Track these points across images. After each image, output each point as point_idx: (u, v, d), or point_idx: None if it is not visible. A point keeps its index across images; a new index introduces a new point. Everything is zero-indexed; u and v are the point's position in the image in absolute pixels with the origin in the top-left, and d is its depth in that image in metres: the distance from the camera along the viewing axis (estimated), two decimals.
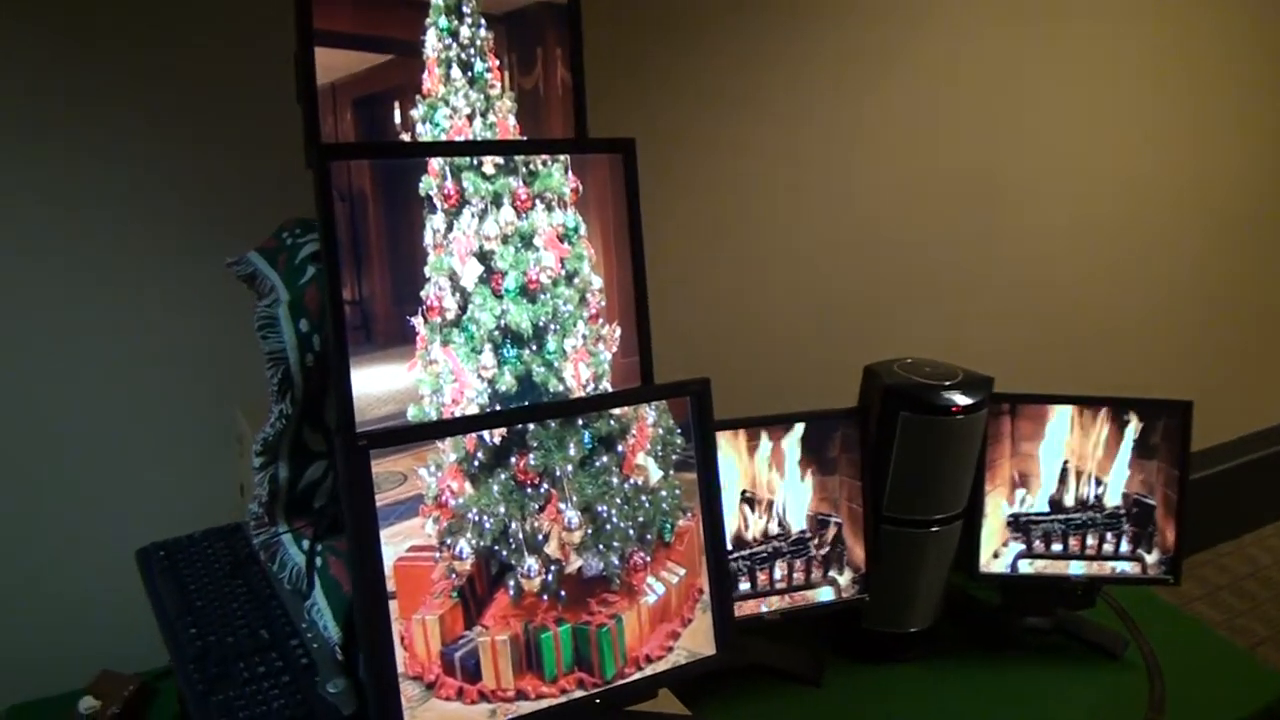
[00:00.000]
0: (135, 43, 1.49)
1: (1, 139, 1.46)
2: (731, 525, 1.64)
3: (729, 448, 1.62)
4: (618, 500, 1.25)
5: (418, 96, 1.26)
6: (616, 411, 1.26)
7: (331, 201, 1.15)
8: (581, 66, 1.36)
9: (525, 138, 1.33)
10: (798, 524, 1.67)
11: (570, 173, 1.30)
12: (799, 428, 1.65)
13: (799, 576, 1.68)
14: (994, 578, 1.76)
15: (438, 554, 1.15)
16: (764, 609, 1.66)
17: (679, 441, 1.31)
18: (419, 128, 1.27)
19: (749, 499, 1.65)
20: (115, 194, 1.54)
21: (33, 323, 1.53)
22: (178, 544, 1.37)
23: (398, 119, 1.26)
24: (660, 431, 1.30)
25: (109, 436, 1.61)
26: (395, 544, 1.12)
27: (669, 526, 1.30)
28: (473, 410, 1.23)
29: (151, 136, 1.54)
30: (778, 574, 1.67)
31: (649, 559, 1.28)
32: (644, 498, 1.28)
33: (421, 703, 1.13)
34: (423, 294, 1.22)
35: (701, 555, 1.32)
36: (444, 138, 1.27)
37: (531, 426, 1.20)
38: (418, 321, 1.21)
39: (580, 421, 1.23)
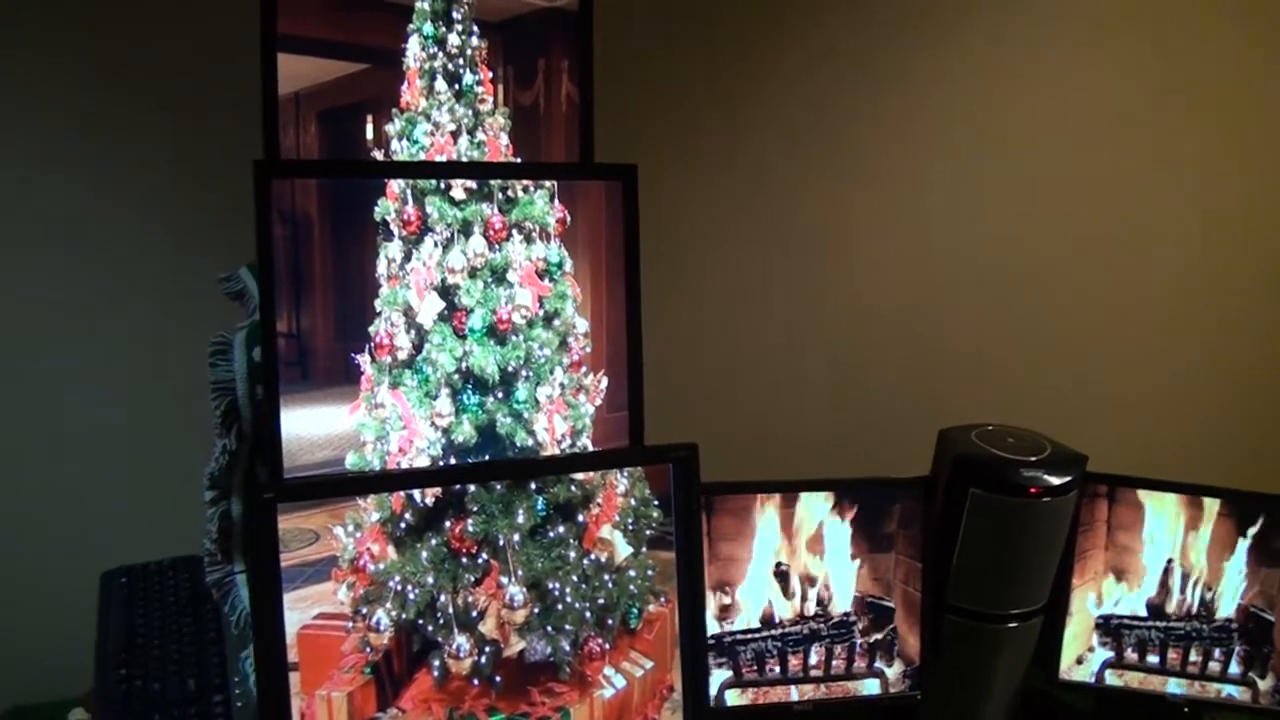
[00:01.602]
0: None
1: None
2: (762, 601, 1.46)
3: (764, 513, 1.44)
4: (573, 578, 1.10)
5: (394, 110, 1.15)
6: (580, 476, 1.11)
7: (270, 223, 1.04)
8: (591, 82, 1.21)
9: (518, 159, 1.19)
10: (841, 605, 1.47)
11: (556, 201, 1.15)
12: (850, 496, 1.45)
13: (839, 664, 1.48)
14: (1075, 686, 1.51)
15: (350, 624, 1.03)
16: (794, 697, 1.47)
17: (655, 515, 1.15)
18: (395, 144, 1.15)
19: (783, 573, 1.46)
20: (131, 197, 1.51)
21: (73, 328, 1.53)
22: (144, 571, 1.31)
23: (370, 134, 1.15)
24: (632, 503, 1.14)
25: (127, 442, 1.58)
26: (301, 609, 1.01)
27: (635, 611, 1.13)
28: (422, 461, 1.11)
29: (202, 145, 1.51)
30: (813, 659, 1.48)
31: (607, 646, 1.12)
32: (607, 577, 1.12)
33: None
34: (371, 330, 1.10)
35: (674, 648, 1.15)
36: (423, 156, 1.15)
37: (472, 488, 1.06)
38: (364, 360, 1.10)
39: (534, 485, 1.09)
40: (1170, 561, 1.47)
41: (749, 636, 1.46)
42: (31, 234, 1.52)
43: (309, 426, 1.08)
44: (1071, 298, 2.19)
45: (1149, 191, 2.16)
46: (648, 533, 1.14)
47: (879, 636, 1.48)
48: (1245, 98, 2.15)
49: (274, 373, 1.05)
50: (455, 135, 1.16)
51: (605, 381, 1.18)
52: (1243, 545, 1.45)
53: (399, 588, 1.04)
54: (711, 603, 1.41)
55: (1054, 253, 2.15)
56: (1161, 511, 1.47)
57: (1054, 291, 2.17)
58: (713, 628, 1.43)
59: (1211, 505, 1.45)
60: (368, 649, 1.03)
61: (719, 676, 1.44)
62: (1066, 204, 2.12)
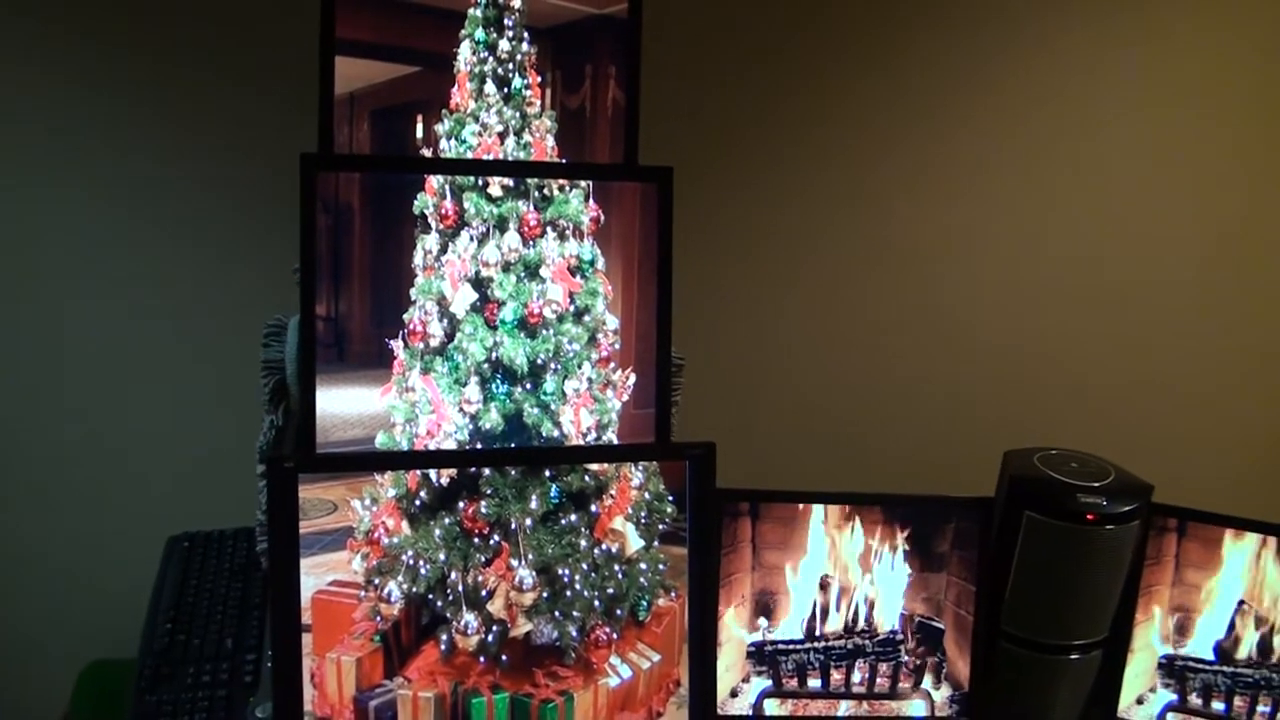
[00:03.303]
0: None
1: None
2: (805, 612, 1.45)
3: (812, 524, 1.43)
4: (583, 566, 1.12)
5: (444, 111, 1.20)
6: (594, 467, 1.14)
7: (314, 213, 1.11)
8: (638, 86, 1.24)
9: (563, 160, 1.23)
10: (888, 623, 1.45)
11: (591, 200, 1.19)
12: (903, 512, 1.43)
13: (883, 683, 1.46)
14: None
15: (363, 593, 1.08)
16: (837, 713, 1.46)
17: (670, 510, 1.16)
18: (443, 144, 1.21)
19: (829, 585, 1.45)
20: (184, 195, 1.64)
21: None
22: (207, 537, 1.39)
23: (419, 133, 1.21)
24: (646, 496, 1.16)
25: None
26: (317, 575, 1.07)
27: (645, 604, 1.15)
28: (449, 445, 1.15)
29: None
30: (856, 676, 1.46)
31: (615, 636, 1.14)
32: (617, 567, 1.14)
33: None
34: (406, 317, 1.15)
35: (683, 643, 1.16)
36: (470, 155, 1.20)
37: (486, 471, 1.10)
38: (397, 345, 1.15)
39: (549, 472, 1.12)
40: (1242, 604, 1.40)
41: (791, 647, 1.46)
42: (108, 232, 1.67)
43: (343, 405, 1.14)
44: (1176, 331, 2.09)
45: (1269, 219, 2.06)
46: (660, 527, 1.16)
47: (927, 658, 1.45)
48: None
49: (311, 353, 1.12)
50: (502, 136, 1.21)
51: (633, 378, 1.21)
52: None
53: (411, 562, 1.09)
54: (754, 611, 1.42)
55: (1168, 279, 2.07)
56: (1236, 550, 1.40)
57: (1161, 320, 2.09)
58: (754, 636, 1.43)
59: None
60: (378, 618, 1.08)
61: (758, 685, 1.44)
62: (1180, 232, 2.04)
